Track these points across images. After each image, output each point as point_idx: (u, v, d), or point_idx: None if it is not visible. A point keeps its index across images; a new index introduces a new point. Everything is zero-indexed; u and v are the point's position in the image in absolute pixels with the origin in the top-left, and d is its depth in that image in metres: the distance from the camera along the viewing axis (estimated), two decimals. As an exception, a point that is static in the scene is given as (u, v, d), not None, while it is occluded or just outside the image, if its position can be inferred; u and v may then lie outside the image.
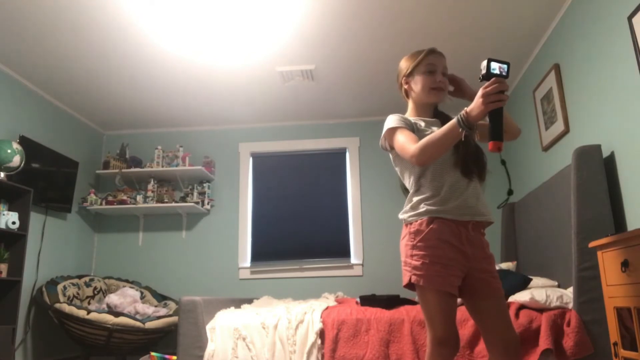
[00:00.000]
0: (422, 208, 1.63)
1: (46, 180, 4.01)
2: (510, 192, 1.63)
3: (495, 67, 1.41)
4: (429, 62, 1.74)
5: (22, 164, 3.51)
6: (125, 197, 4.57)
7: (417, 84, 1.75)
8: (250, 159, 4.98)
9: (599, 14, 2.67)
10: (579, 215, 2.49)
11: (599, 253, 2.01)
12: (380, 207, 4.69)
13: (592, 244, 2.03)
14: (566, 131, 3.11)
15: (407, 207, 1.70)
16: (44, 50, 3.48)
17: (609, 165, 2.60)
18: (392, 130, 1.70)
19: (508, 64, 1.41)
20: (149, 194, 4.63)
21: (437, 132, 1.53)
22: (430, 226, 1.60)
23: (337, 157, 4.92)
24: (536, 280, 2.92)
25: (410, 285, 1.63)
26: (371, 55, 3.68)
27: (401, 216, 1.71)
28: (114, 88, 4.11)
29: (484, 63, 1.41)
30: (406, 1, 3.03)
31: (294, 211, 4.81)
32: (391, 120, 1.72)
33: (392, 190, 4.69)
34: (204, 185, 4.75)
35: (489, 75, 1.41)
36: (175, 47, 3.48)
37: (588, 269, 2.40)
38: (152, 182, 4.67)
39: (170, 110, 4.62)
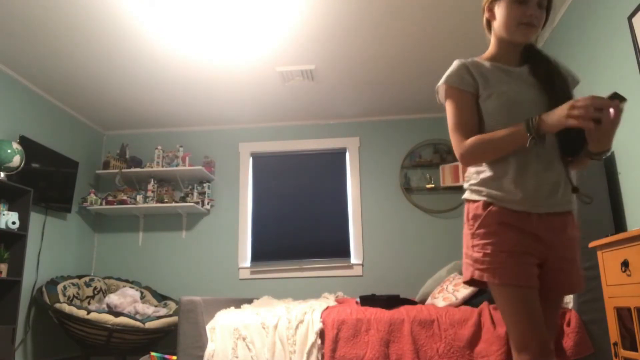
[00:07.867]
0: (481, 187, 1.36)
1: (46, 180, 4.00)
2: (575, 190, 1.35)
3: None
4: None
5: (22, 164, 3.51)
6: (125, 197, 4.57)
7: (501, 14, 1.37)
8: (250, 159, 4.98)
9: (599, 14, 2.67)
10: (579, 215, 2.48)
11: (599, 253, 2.01)
12: (380, 207, 4.69)
13: (592, 244, 2.03)
14: (566, 131, 3.11)
15: (467, 174, 1.43)
16: (45, 51, 3.48)
17: (609, 165, 2.60)
18: (447, 91, 1.39)
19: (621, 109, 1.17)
20: (149, 194, 4.63)
21: (497, 133, 1.29)
22: (489, 208, 1.32)
23: (337, 157, 4.92)
24: (536, 280, 2.91)
25: (473, 282, 1.36)
26: (371, 55, 3.68)
27: (464, 186, 1.44)
28: (114, 88, 4.11)
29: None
30: (405, 1, 3.03)
31: (293, 211, 4.81)
32: (451, 74, 1.39)
33: (392, 190, 4.69)
34: (204, 185, 4.75)
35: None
36: (176, 47, 3.48)
37: (588, 269, 2.40)
38: (152, 182, 4.67)
39: (170, 110, 4.62)
